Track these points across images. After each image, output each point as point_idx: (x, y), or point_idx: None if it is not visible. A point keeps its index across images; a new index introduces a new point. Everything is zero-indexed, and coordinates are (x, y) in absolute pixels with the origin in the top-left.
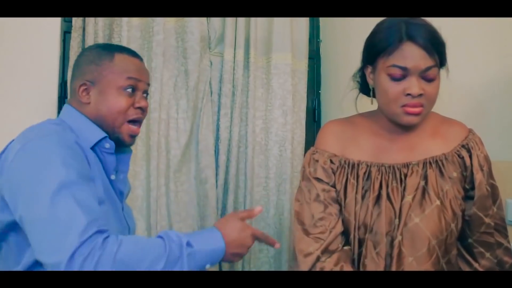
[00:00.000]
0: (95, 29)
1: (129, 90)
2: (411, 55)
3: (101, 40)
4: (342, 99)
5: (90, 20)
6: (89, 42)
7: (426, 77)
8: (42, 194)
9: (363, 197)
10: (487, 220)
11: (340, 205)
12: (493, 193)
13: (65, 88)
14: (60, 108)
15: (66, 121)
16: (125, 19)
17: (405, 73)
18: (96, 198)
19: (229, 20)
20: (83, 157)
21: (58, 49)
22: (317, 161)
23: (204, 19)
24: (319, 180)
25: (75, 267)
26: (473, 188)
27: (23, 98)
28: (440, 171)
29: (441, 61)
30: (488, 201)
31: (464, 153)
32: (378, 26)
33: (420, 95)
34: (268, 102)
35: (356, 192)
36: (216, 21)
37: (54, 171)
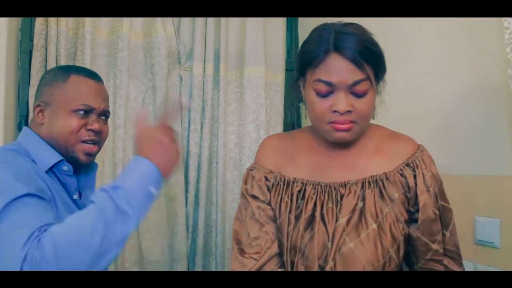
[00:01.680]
0: (58, 47)
1: (81, 112)
2: (337, 68)
3: (63, 59)
4: None
5: (52, 39)
6: (51, 60)
7: (356, 92)
8: None
9: (297, 218)
10: (434, 246)
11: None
12: (444, 217)
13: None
14: (19, 126)
15: (23, 144)
16: (88, 36)
17: (331, 88)
18: (50, 214)
19: (198, 34)
20: (36, 178)
21: (5, 63)
22: (254, 177)
23: (172, 34)
24: (254, 197)
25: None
26: (418, 210)
27: None
28: (380, 192)
29: (377, 73)
30: (435, 225)
31: (408, 172)
32: (310, 34)
33: (349, 111)
34: (241, 116)
35: (290, 212)
36: (185, 35)
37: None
